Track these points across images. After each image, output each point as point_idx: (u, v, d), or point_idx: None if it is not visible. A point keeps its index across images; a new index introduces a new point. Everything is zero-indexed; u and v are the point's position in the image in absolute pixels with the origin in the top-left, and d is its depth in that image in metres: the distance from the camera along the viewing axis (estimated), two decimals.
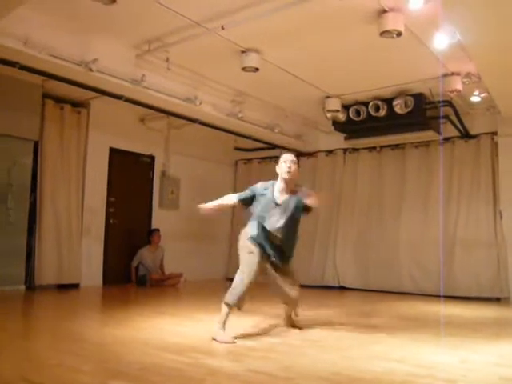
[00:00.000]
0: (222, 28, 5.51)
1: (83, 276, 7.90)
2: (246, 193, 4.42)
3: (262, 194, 4.34)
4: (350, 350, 3.79)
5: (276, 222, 4.25)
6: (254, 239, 4.27)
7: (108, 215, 8.57)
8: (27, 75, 6.45)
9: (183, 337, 4.15)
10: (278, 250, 4.34)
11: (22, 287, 7.16)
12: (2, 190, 7.04)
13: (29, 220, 7.36)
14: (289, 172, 4.27)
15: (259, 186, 4.41)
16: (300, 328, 4.60)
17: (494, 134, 8.11)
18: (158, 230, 8.99)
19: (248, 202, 4.40)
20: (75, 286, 7.73)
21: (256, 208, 4.34)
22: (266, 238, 4.28)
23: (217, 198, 4.42)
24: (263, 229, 4.27)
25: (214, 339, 3.94)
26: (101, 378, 2.92)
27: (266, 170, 9.87)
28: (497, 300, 7.69)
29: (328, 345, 3.96)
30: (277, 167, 4.37)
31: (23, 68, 6.08)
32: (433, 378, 3.02)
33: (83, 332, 4.32)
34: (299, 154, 8.95)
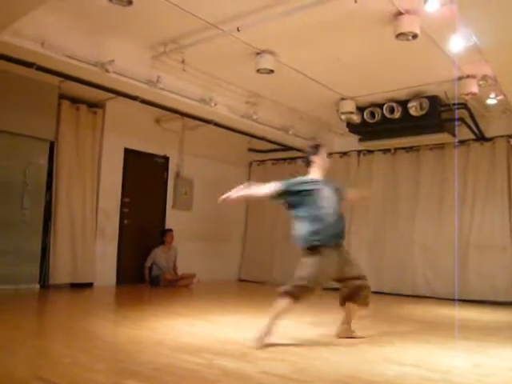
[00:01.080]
0: (238, 30, 5.52)
1: (97, 275, 7.94)
2: None
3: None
4: (363, 354, 3.78)
5: None
6: None
7: (122, 215, 8.61)
8: (44, 76, 6.52)
9: (196, 337, 4.16)
10: None
11: (37, 286, 7.21)
12: (17, 190, 7.10)
13: (44, 219, 7.41)
14: None
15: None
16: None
17: (510, 136, 8.04)
18: (171, 230, 9.01)
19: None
20: (89, 286, 7.78)
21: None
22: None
23: None
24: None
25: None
26: (114, 377, 2.94)
27: (280, 171, 9.88)
28: None
29: (342, 348, 3.95)
30: (317, 158, 4.63)
31: (40, 69, 6.16)
32: (447, 382, 3.00)
33: (97, 331, 4.34)
34: None
